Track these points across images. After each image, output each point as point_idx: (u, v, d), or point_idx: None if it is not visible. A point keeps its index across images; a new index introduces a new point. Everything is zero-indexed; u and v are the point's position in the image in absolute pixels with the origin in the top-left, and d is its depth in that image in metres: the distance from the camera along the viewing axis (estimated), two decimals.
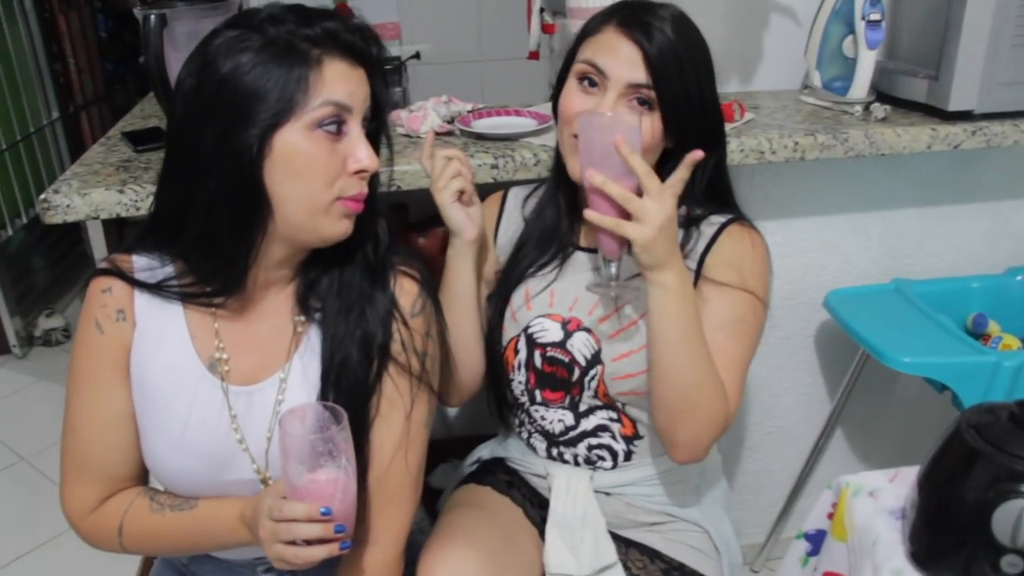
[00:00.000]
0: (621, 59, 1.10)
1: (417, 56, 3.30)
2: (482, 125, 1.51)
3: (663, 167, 1.13)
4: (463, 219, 1.18)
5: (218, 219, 0.94)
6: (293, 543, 0.90)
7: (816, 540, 1.14)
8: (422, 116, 1.49)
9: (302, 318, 1.04)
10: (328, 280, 1.03)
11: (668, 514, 1.26)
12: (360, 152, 0.94)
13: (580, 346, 1.20)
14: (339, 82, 0.92)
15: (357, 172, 0.95)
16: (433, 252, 1.46)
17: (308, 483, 0.88)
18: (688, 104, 1.11)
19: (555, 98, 1.20)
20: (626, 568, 1.20)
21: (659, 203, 0.98)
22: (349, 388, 1.01)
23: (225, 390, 1.02)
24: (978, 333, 1.64)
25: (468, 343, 1.24)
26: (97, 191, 1.33)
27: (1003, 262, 1.77)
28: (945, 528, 0.93)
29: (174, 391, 1.02)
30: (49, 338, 3.20)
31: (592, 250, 1.23)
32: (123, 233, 1.54)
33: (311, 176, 0.92)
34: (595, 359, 1.19)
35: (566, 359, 1.21)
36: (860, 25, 1.54)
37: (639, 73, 1.09)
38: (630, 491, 1.25)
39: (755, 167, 1.62)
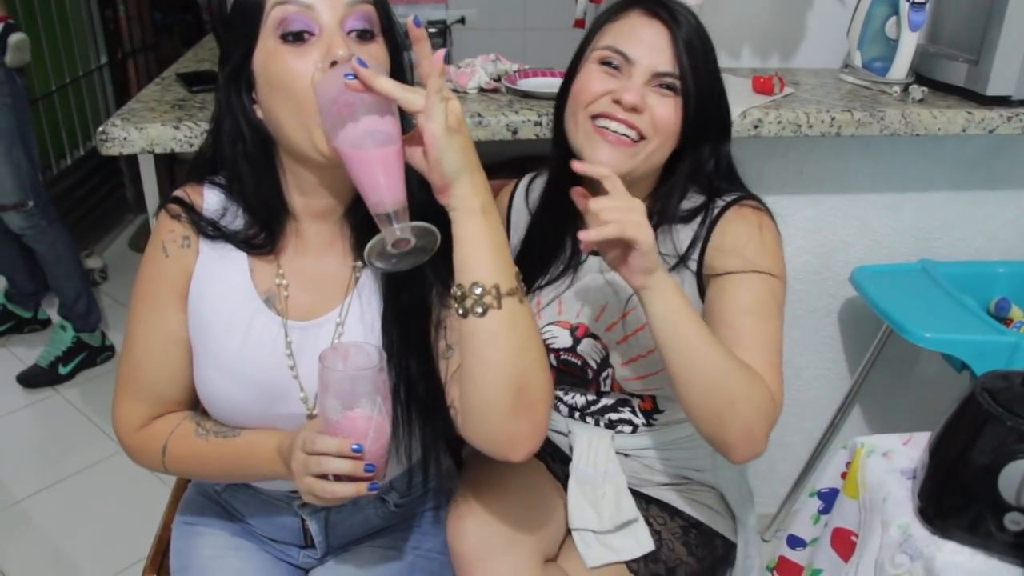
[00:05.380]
0: (647, 44, 1.09)
1: (462, 21, 3.33)
2: (528, 84, 1.55)
3: (671, 168, 1.15)
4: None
5: (235, 158, 0.99)
6: (324, 477, 0.91)
7: (828, 498, 1.18)
8: (470, 72, 1.53)
9: (360, 263, 1.05)
10: None
11: (684, 477, 1.29)
12: (336, 47, 0.88)
13: (589, 351, 1.22)
14: None
15: (333, 65, 0.88)
16: None
17: (343, 419, 0.89)
18: (710, 93, 1.11)
19: (564, 90, 1.17)
20: (647, 523, 1.23)
21: (632, 199, 0.97)
22: (411, 331, 1.02)
23: (283, 323, 1.04)
24: (1000, 317, 1.66)
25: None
26: (154, 126, 1.39)
27: None
28: (954, 486, 0.97)
29: (230, 320, 1.04)
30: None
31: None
32: (173, 171, 1.59)
33: (291, 87, 0.89)
34: (605, 363, 1.21)
35: (578, 362, 1.23)
36: (904, 7, 1.56)
37: (666, 60, 1.08)
38: (648, 454, 1.28)
39: (791, 141, 1.65)
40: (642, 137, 1.10)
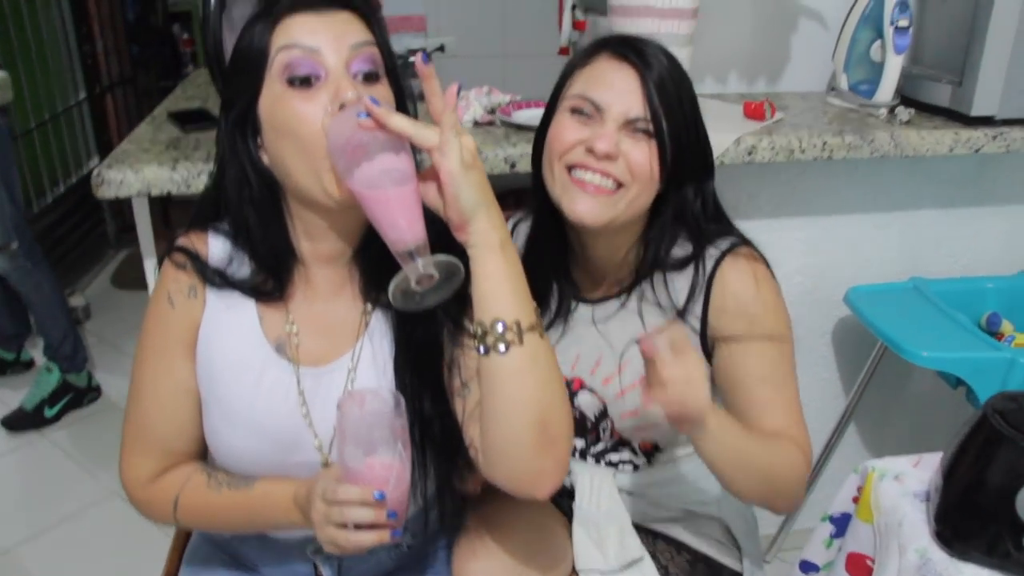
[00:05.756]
0: (617, 90, 1.06)
1: (442, 49, 3.35)
2: (522, 116, 1.56)
3: (655, 213, 1.12)
4: None
5: (241, 204, 0.97)
6: (344, 526, 0.89)
7: (841, 523, 1.19)
8: (465, 106, 1.54)
9: (368, 306, 1.04)
10: (393, 265, 0.96)
11: (689, 510, 1.28)
12: (344, 90, 0.87)
13: (586, 404, 1.21)
14: (297, 29, 0.89)
15: (342, 108, 0.88)
16: None
17: (363, 467, 0.88)
18: (686, 133, 1.08)
19: (539, 137, 1.15)
20: (654, 559, 1.21)
21: (695, 365, 0.93)
22: (424, 371, 1.01)
23: (295, 371, 1.02)
24: (992, 331, 1.69)
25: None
26: (150, 168, 1.38)
27: (1017, 264, 1.83)
28: (970, 508, 0.98)
29: (240, 371, 1.01)
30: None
31: (596, 300, 1.20)
32: (167, 212, 1.58)
33: (297, 132, 0.89)
34: (603, 415, 1.20)
35: (576, 414, 1.22)
36: (888, 31, 1.60)
37: (637, 104, 1.05)
38: (652, 491, 1.26)
39: (782, 165, 1.67)
40: (620, 185, 1.07)
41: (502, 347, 0.87)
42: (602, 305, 1.20)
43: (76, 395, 2.70)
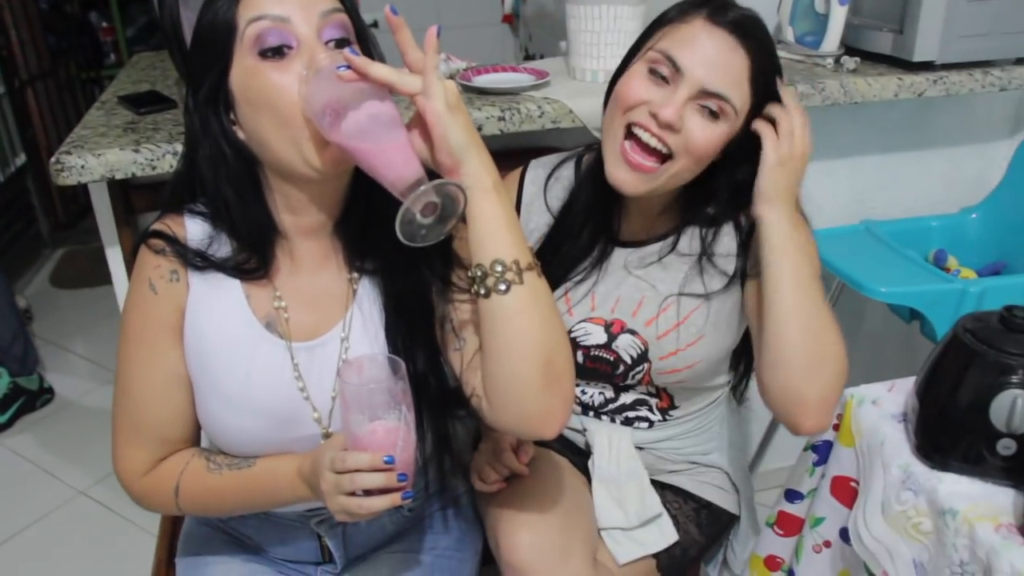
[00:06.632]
0: (704, 57, 1.01)
1: (375, 25, 3.31)
2: (482, 80, 1.57)
3: (708, 183, 1.12)
4: None
5: (218, 183, 0.95)
6: (354, 494, 0.90)
7: (823, 450, 1.24)
8: None
9: (355, 275, 1.04)
10: (376, 233, 1.00)
11: (694, 461, 1.33)
12: (315, 54, 0.88)
13: (626, 346, 1.20)
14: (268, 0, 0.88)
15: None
16: None
17: (369, 432, 0.89)
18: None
19: (613, 81, 1.12)
20: (664, 508, 1.25)
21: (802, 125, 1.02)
22: (416, 332, 1.02)
23: (287, 346, 1.02)
24: (939, 267, 1.77)
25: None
26: (111, 151, 1.35)
27: (957, 202, 1.92)
28: (947, 421, 1.05)
29: (232, 351, 1.01)
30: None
31: (636, 243, 1.21)
32: (129, 198, 1.55)
33: (272, 104, 0.88)
34: (642, 358, 1.20)
35: (611, 358, 1.21)
36: None
37: (719, 78, 1.01)
38: (662, 445, 1.30)
39: None
40: (670, 155, 1.05)
41: (503, 287, 0.88)
42: (642, 249, 1.20)
43: (28, 398, 2.61)
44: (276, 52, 0.88)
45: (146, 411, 1.03)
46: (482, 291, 0.90)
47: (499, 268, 0.88)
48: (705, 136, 1.03)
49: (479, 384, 0.98)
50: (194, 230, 1.01)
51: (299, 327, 1.03)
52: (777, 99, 1.07)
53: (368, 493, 0.90)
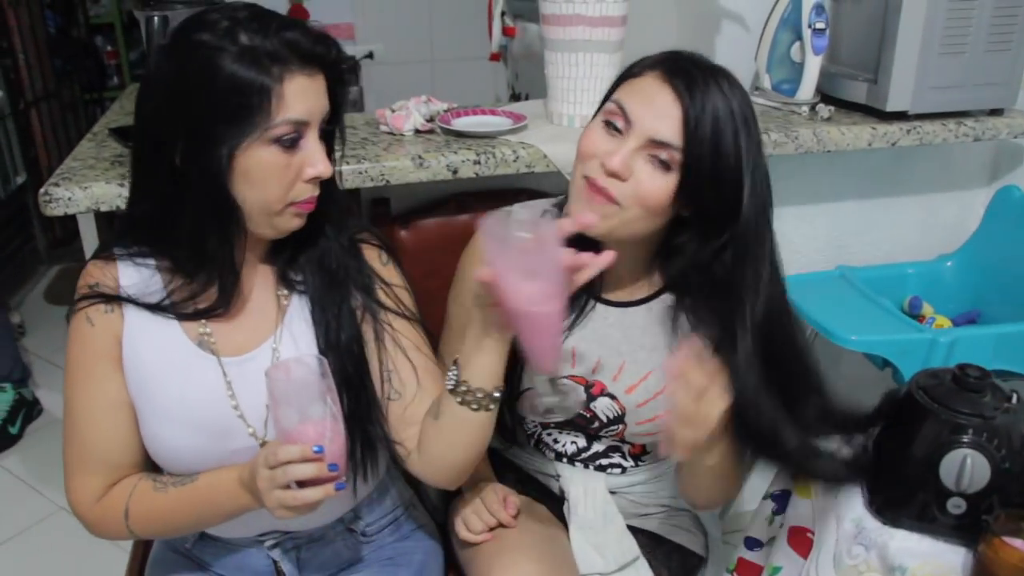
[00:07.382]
0: (653, 109, 1.01)
1: (370, 56, 3.37)
2: (461, 123, 1.60)
3: (674, 237, 1.11)
4: None
5: (202, 230, 1.01)
6: (289, 487, 0.95)
7: (781, 500, 1.25)
8: (405, 115, 1.57)
9: (285, 291, 1.12)
10: (306, 256, 1.11)
11: (664, 505, 1.34)
12: (316, 161, 1.00)
13: (604, 408, 1.22)
14: (298, 99, 0.96)
15: (311, 180, 1.01)
16: (415, 244, 1.54)
17: (299, 426, 0.95)
18: (715, 178, 1.02)
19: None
20: None
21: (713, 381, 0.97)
22: (348, 350, 1.10)
23: (218, 362, 1.08)
24: (914, 314, 1.79)
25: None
26: (98, 184, 1.38)
27: (934, 249, 1.93)
28: (899, 477, 1.06)
29: (167, 371, 1.06)
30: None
31: (619, 304, 1.20)
32: (113, 225, 1.57)
33: (267, 186, 0.98)
34: (618, 420, 1.22)
35: (588, 415, 1.23)
36: (807, 32, 1.68)
37: (667, 130, 1.00)
38: (635, 490, 1.32)
39: None
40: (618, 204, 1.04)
41: (475, 407, 1.04)
42: (626, 310, 1.20)
43: (28, 409, 2.64)
44: (293, 143, 0.98)
45: (92, 438, 1.08)
46: (459, 400, 1.04)
47: (479, 395, 1.04)
48: (655, 186, 1.02)
49: (409, 438, 1.12)
50: (129, 276, 1.08)
51: (229, 344, 1.09)
52: (738, 168, 1.04)
53: (302, 485, 0.95)
